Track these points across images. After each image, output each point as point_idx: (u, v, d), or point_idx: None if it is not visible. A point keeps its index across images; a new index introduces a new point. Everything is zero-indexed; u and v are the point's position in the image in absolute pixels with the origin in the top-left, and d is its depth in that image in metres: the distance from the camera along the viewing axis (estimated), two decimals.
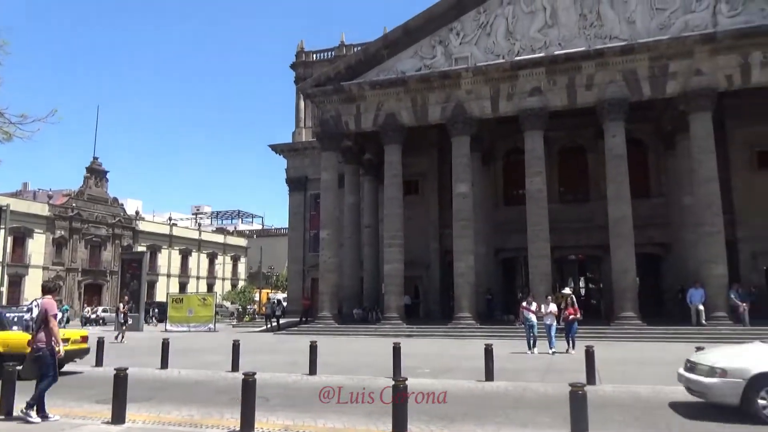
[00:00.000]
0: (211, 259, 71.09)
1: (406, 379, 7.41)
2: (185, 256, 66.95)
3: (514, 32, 26.76)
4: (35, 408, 7.91)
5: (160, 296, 54.08)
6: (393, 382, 7.24)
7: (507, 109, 26.70)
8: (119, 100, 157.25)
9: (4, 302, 30.86)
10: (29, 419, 7.79)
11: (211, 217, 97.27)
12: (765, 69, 23.37)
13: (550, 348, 17.30)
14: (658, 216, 28.96)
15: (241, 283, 71.17)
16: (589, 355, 11.69)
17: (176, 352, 15.78)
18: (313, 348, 13.32)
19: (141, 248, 56.89)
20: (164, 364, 14.24)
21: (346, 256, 31.74)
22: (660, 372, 12.23)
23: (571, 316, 17.75)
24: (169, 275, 63.76)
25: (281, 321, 31.48)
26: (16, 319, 13.55)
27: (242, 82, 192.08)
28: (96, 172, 57.03)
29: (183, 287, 63.42)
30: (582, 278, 34.24)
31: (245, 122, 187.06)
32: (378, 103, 28.45)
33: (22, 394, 8.13)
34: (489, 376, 11.94)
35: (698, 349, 10.52)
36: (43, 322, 8.16)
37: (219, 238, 74.49)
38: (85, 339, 13.81)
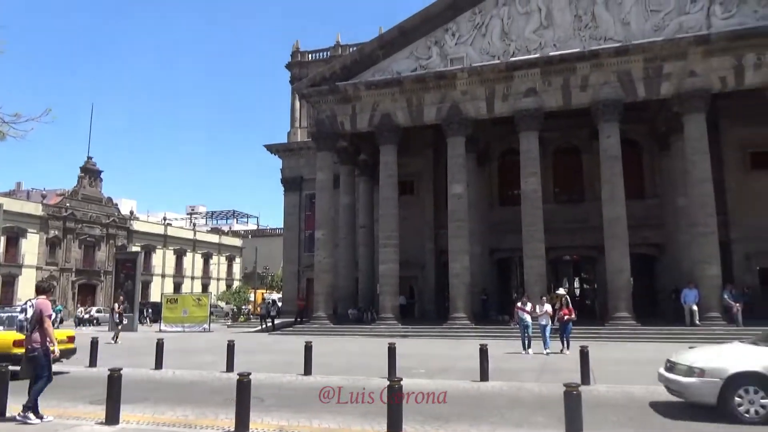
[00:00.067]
0: (206, 259, 70.86)
1: (401, 379, 7.43)
2: (180, 256, 66.70)
3: (510, 33, 26.84)
4: (31, 410, 7.88)
5: (155, 296, 53.82)
6: (388, 383, 7.25)
7: (502, 110, 26.79)
8: (114, 100, 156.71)
9: None
10: (28, 421, 7.76)
11: (206, 217, 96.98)
12: (758, 71, 23.52)
13: (545, 348, 17.37)
14: (652, 216, 29.10)
15: (236, 284, 71.06)
16: (584, 355, 11.75)
17: (171, 353, 15.78)
18: (308, 348, 13.32)
19: (135, 248, 56.67)
20: (159, 364, 14.22)
21: (341, 257, 31.73)
22: (654, 372, 12.23)
23: (565, 317, 17.79)
24: (163, 275, 63.51)
25: (276, 321, 31.41)
26: (5, 318, 13.52)
27: (238, 82, 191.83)
28: (90, 172, 56.73)
29: (178, 287, 63.15)
30: (577, 279, 34.41)
31: (240, 122, 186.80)
32: (373, 104, 28.48)
33: (15, 394, 8.10)
34: (484, 376, 11.98)
35: (691, 347, 10.58)
36: (37, 322, 8.14)
37: (214, 239, 74.27)
38: (71, 339, 13.80)
